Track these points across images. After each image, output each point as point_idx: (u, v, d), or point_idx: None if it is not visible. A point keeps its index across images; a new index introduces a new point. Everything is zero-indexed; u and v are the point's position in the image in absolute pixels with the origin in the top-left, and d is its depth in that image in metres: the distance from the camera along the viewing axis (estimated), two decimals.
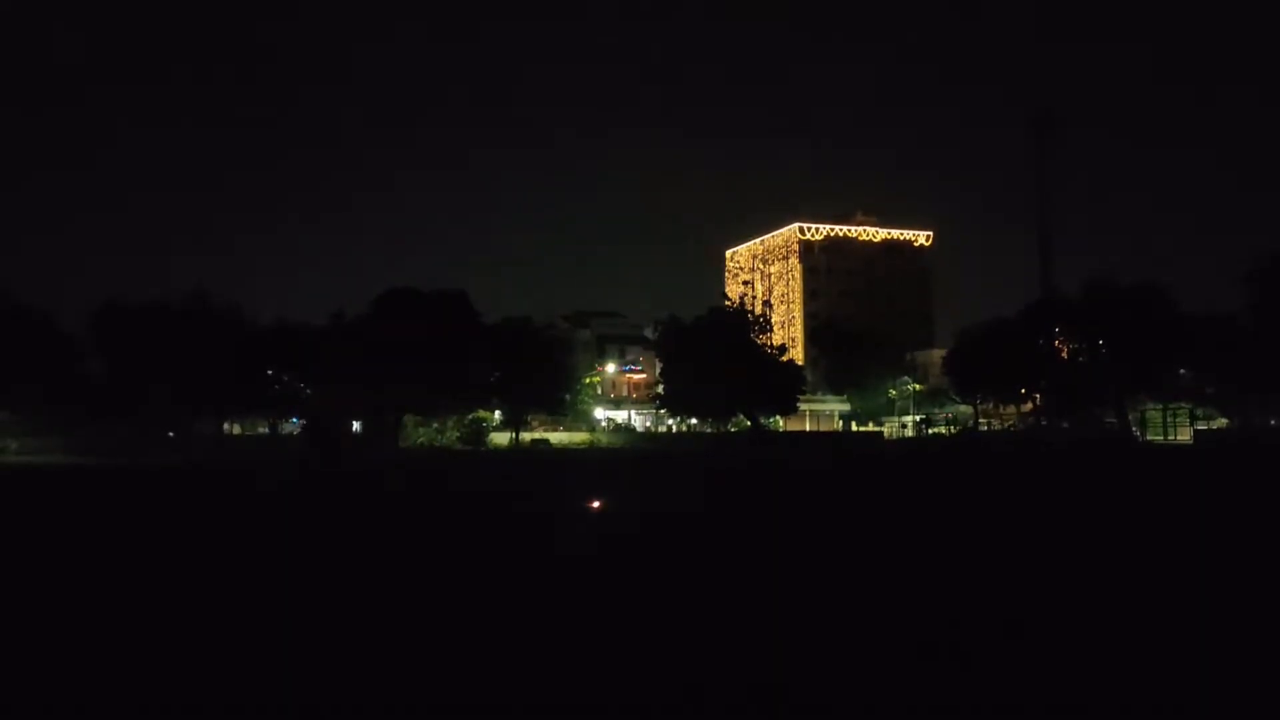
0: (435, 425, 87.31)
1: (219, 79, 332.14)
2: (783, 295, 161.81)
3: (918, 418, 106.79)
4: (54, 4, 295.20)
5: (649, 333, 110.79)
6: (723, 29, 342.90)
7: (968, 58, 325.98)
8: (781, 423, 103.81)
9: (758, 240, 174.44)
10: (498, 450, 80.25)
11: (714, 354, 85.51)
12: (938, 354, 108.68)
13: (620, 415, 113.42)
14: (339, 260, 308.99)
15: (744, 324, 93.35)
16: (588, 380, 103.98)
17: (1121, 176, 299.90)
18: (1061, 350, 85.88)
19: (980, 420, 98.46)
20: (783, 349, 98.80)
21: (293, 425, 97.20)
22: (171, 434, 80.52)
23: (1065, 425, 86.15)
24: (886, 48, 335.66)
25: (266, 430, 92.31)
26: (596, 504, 21.61)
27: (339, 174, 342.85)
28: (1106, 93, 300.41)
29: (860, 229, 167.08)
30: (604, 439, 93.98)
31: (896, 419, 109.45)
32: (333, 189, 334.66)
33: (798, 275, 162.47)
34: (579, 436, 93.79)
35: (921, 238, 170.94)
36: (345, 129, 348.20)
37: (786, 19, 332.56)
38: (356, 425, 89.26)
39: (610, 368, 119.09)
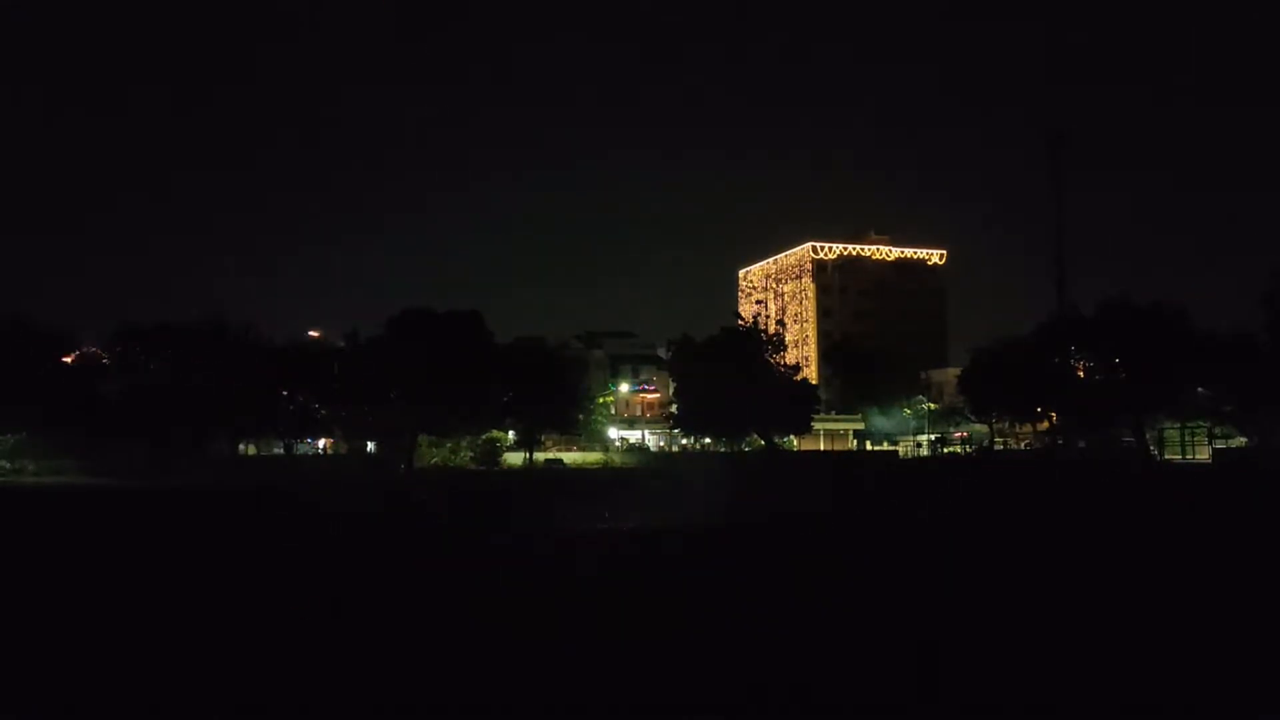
0: (449, 446, 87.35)
1: (223, 93, 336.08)
2: (796, 314, 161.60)
3: (932, 437, 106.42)
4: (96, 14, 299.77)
5: (662, 352, 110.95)
6: (732, 49, 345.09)
7: (979, 76, 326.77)
8: (796, 442, 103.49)
9: (771, 260, 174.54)
10: (511, 470, 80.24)
11: (727, 373, 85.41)
12: (952, 373, 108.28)
13: (634, 435, 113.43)
14: (354, 281, 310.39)
15: (757, 343, 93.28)
16: (601, 400, 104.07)
17: (1139, 194, 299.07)
18: (1077, 369, 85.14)
19: (996, 439, 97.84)
20: (796, 368, 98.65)
21: (308, 446, 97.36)
22: (185, 455, 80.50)
23: (1082, 445, 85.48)
24: (897, 66, 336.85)
25: (281, 451, 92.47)
26: None
27: (348, 196, 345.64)
28: (1121, 107, 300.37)
29: (873, 248, 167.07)
30: (617, 459, 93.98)
31: (911, 438, 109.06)
32: (345, 210, 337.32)
33: (811, 294, 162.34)
34: (593, 456, 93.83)
35: (935, 257, 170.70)
36: (346, 147, 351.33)
37: (795, 41, 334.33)
38: (371, 445, 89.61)
39: (624, 387, 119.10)
